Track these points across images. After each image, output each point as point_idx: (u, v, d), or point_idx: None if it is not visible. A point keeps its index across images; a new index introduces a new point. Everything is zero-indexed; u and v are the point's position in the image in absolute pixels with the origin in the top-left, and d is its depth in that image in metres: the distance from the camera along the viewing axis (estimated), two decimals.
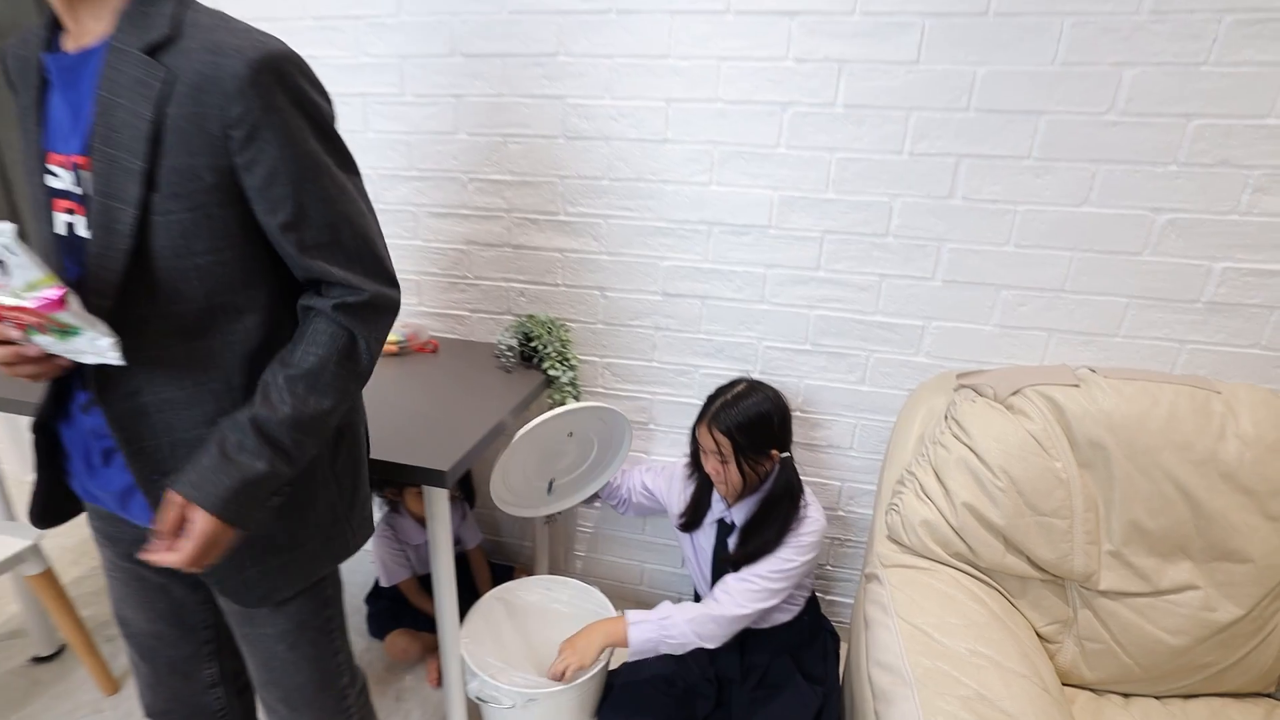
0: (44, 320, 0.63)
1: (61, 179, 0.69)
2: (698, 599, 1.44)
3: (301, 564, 0.87)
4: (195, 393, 0.75)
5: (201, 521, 0.70)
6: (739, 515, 1.33)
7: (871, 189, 1.34)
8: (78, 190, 0.68)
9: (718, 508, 1.37)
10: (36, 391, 0.82)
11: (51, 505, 0.86)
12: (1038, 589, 1.15)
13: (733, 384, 1.31)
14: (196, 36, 0.66)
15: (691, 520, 1.40)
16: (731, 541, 1.33)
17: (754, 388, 1.29)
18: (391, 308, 0.81)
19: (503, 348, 1.54)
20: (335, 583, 0.95)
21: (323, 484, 0.87)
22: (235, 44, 0.66)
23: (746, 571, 1.25)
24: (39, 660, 1.63)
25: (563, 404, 1.57)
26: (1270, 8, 1.10)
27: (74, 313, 0.63)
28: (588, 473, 1.51)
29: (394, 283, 0.81)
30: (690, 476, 1.41)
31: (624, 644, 1.23)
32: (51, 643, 1.65)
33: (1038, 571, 1.13)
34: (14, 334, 0.64)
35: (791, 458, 1.30)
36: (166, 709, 1.01)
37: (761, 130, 1.36)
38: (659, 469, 1.52)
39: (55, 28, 0.72)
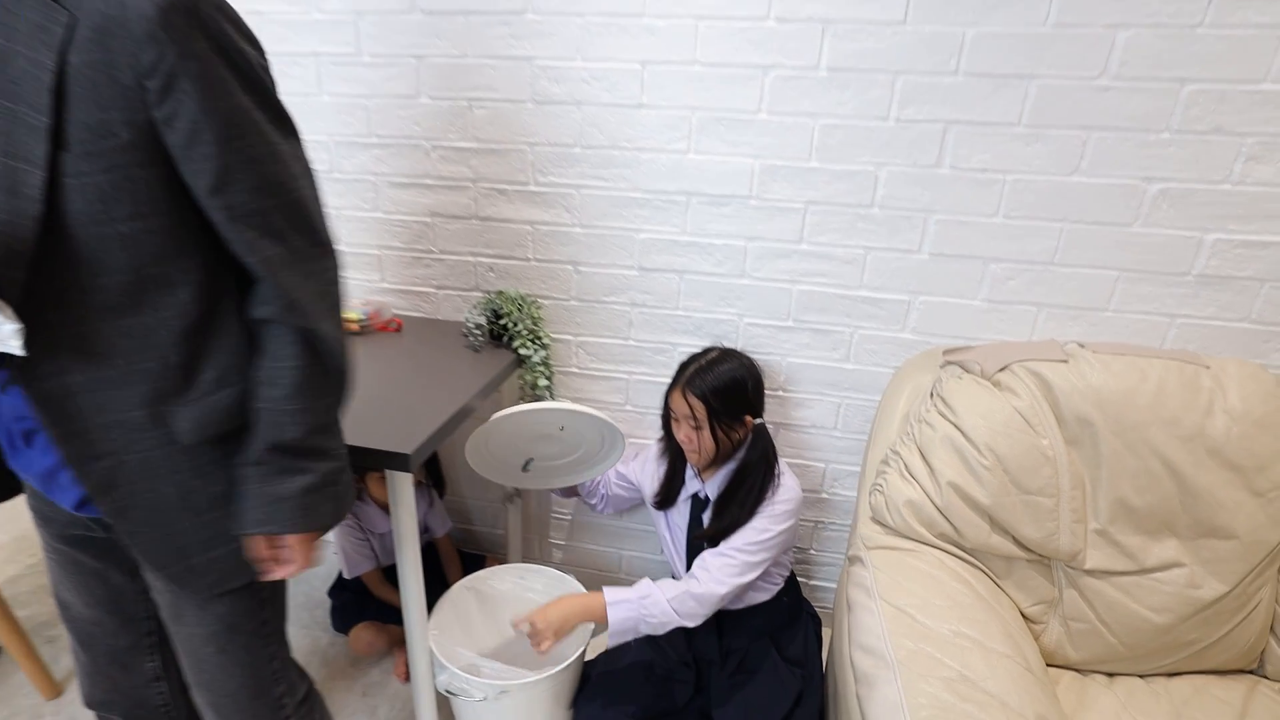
0: None
1: None
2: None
3: None
4: (128, 372, 0.71)
5: (291, 541, 0.79)
6: (713, 489, 1.32)
7: (856, 157, 1.32)
8: None
9: (692, 484, 1.37)
10: None
11: None
12: (1023, 569, 1.15)
13: (705, 351, 1.32)
14: None
15: (666, 497, 1.39)
16: (706, 517, 1.33)
17: (727, 354, 1.30)
18: (332, 279, 0.78)
19: (470, 326, 1.50)
20: (275, 582, 0.90)
21: None
22: None
23: (724, 546, 1.25)
24: None
25: (534, 385, 1.54)
26: None
27: None
28: (566, 467, 1.48)
29: (330, 251, 0.78)
30: (663, 454, 1.40)
31: (602, 621, 1.20)
32: None
33: (1023, 551, 1.13)
34: None
35: (765, 425, 1.29)
36: (106, 700, 0.97)
37: (741, 95, 1.32)
38: (630, 453, 1.50)
39: None
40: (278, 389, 0.75)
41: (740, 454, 1.29)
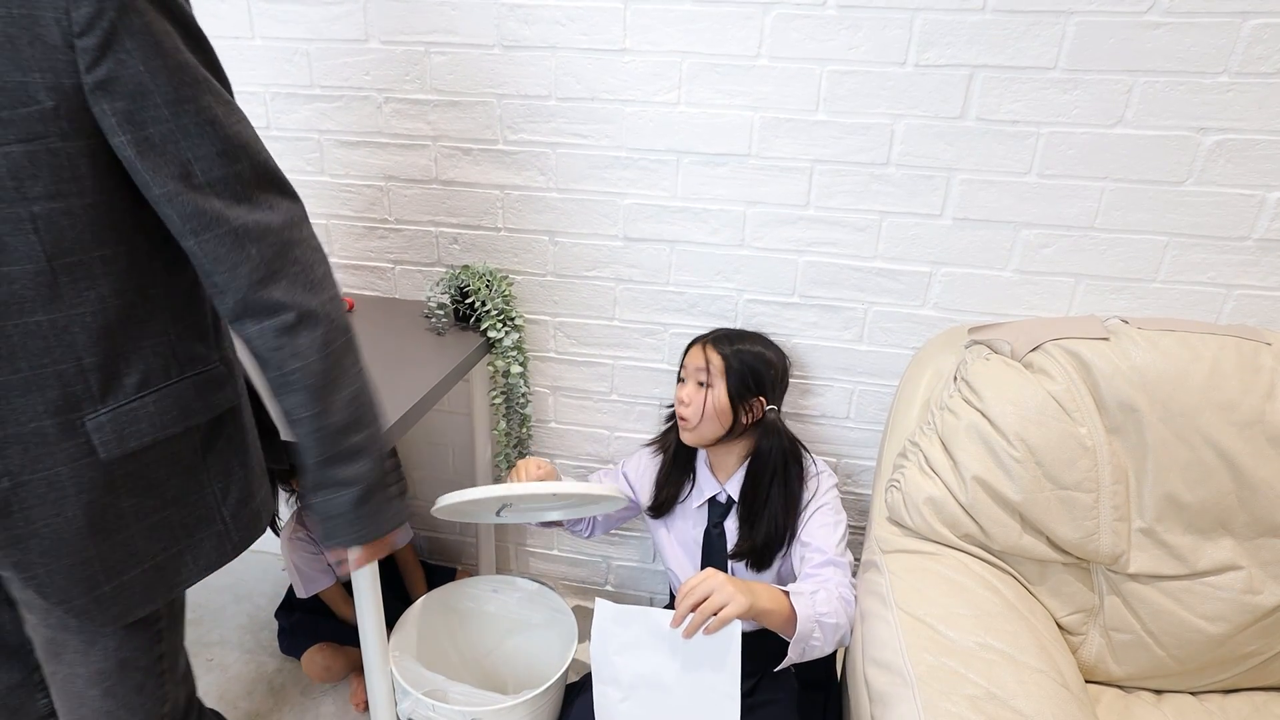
0: None
1: None
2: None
3: (166, 574, 0.83)
4: (34, 376, 0.70)
5: (358, 552, 0.90)
6: (735, 489, 1.31)
7: (870, 109, 1.32)
8: None
9: (707, 486, 1.35)
10: None
11: None
12: (1059, 574, 1.16)
13: (742, 330, 1.37)
14: None
15: (668, 497, 1.37)
16: (731, 526, 1.31)
17: (763, 338, 1.35)
18: (316, 245, 0.81)
19: (433, 305, 1.51)
20: (172, 610, 0.90)
21: (190, 483, 0.83)
22: None
23: (821, 558, 1.19)
24: None
25: (506, 372, 1.54)
26: None
27: None
28: (548, 510, 1.44)
29: (304, 213, 0.81)
30: (658, 451, 1.40)
31: (786, 614, 1.09)
32: None
33: (1059, 554, 1.14)
34: None
35: (778, 414, 1.29)
36: None
37: (739, 37, 1.32)
38: (616, 465, 1.50)
39: None
40: (291, 398, 0.79)
41: (751, 446, 1.30)
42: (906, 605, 1.05)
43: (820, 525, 1.24)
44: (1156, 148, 1.25)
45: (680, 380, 1.33)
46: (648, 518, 1.43)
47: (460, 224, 1.58)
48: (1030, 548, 1.13)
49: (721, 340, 1.30)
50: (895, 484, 1.20)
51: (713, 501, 1.34)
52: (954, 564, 1.12)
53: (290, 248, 0.77)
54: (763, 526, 1.26)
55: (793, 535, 1.27)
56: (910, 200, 1.36)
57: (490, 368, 1.57)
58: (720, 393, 1.25)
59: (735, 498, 1.31)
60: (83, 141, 0.66)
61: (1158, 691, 1.20)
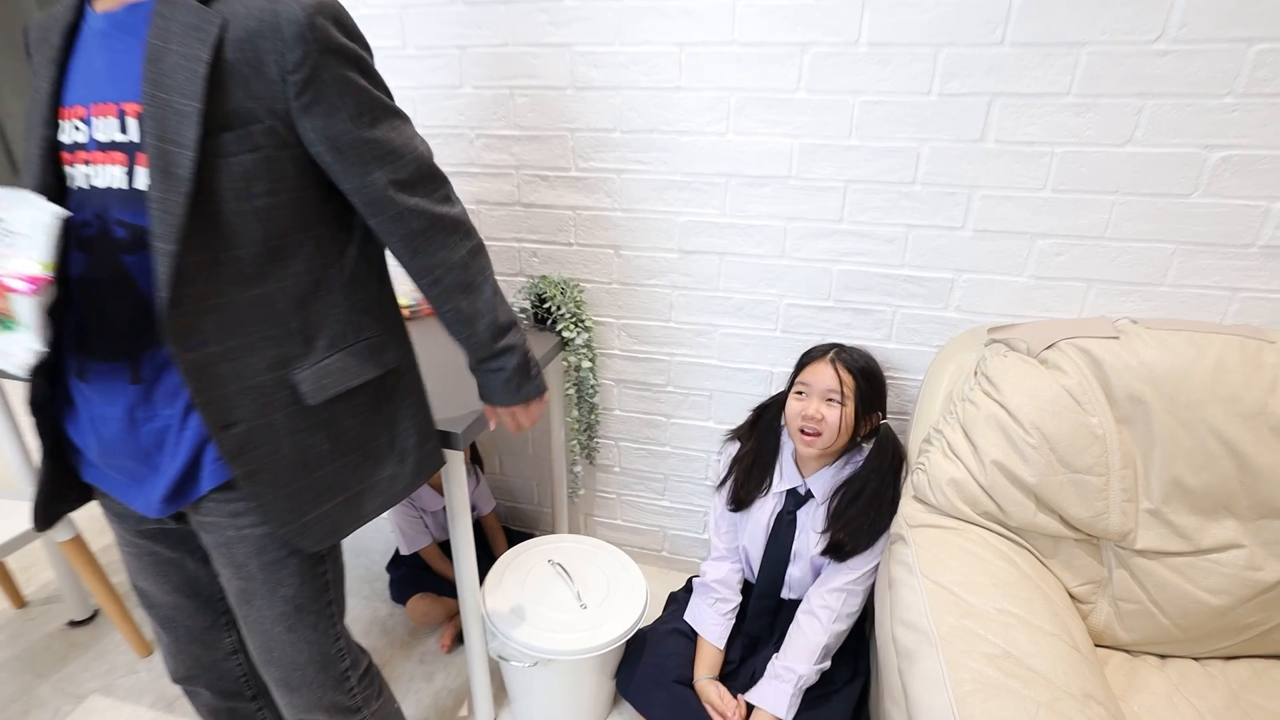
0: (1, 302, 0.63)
1: (81, 131, 0.71)
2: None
3: (352, 508, 0.89)
4: (257, 340, 0.77)
5: (524, 410, 1.01)
6: (818, 486, 1.26)
7: (897, 134, 1.29)
8: (124, 138, 0.69)
9: (789, 477, 1.29)
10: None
11: (55, 500, 0.87)
12: (1070, 548, 1.13)
13: (848, 346, 1.29)
14: None
15: (748, 493, 1.30)
16: (805, 516, 1.27)
17: (867, 354, 1.28)
18: (461, 214, 0.89)
19: (515, 310, 1.53)
20: (336, 567, 0.95)
21: (368, 431, 0.89)
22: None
23: (841, 580, 1.21)
24: (75, 624, 1.70)
25: (578, 367, 1.56)
26: None
27: (33, 305, 0.64)
28: None
29: (450, 191, 0.88)
30: (742, 448, 1.34)
31: None
32: (86, 608, 1.72)
33: (1071, 531, 1.11)
34: None
35: (890, 426, 1.25)
36: (190, 675, 1.04)
37: (780, 74, 1.31)
38: (711, 523, 1.40)
39: None
40: (466, 327, 0.90)
41: (861, 458, 1.25)
42: (931, 573, 1.03)
43: (870, 551, 1.21)
44: (1165, 164, 1.20)
45: (799, 394, 1.25)
46: (725, 509, 1.35)
47: (539, 240, 1.60)
48: (1044, 525, 1.10)
49: (845, 358, 1.23)
50: (921, 466, 1.18)
51: (792, 492, 1.29)
52: (974, 538, 1.10)
53: (440, 221, 0.84)
54: (859, 533, 1.21)
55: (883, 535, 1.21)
56: (935, 214, 1.33)
57: (564, 363, 1.59)
58: (850, 410, 1.20)
59: (814, 492, 1.27)
60: (290, 150, 0.75)
61: (1162, 656, 1.16)
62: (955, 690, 0.86)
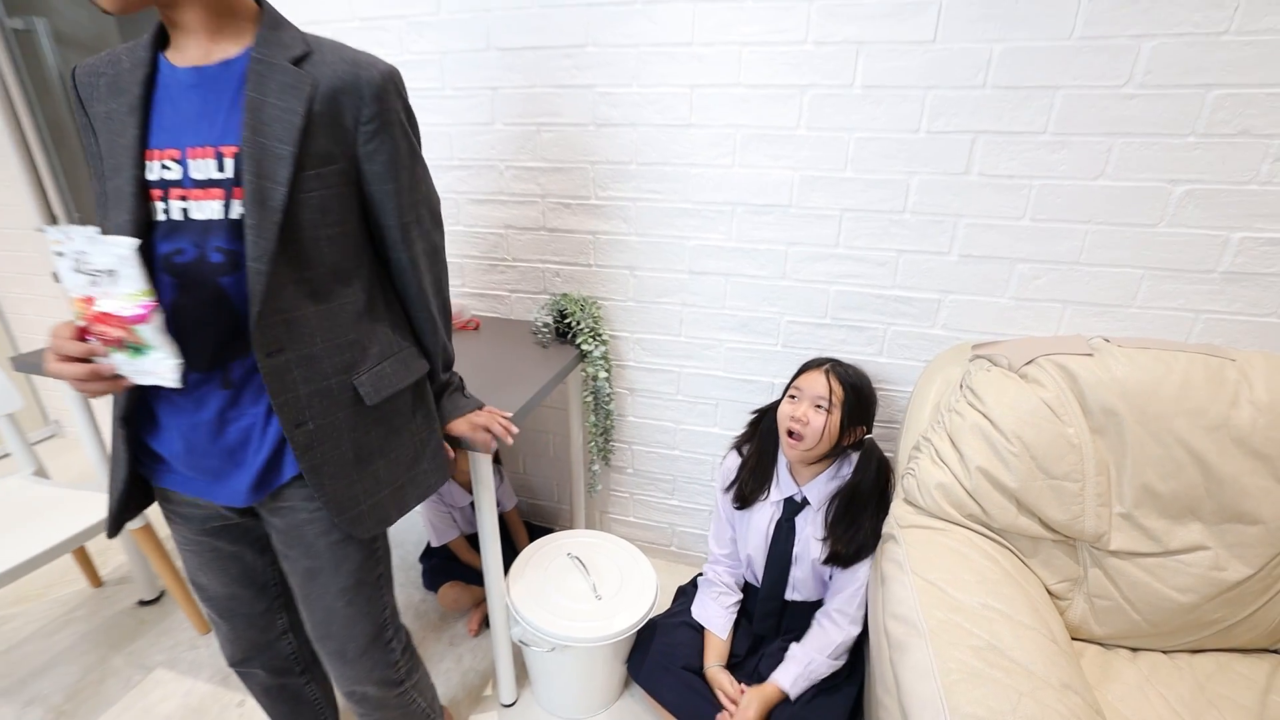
0: (126, 334, 0.66)
1: (171, 170, 0.73)
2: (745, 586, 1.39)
3: (398, 499, 0.94)
4: (324, 348, 0.82)
5: (472, 428, 1.06)
6: (813, 494, 1.24)
7: (889, 167, 1.30)
8: (221, 176, 0.73)
9: (785, 485, 1.27)
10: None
11: (126, 510, 0.89)
12: (1049, 548, 1.13)
13: (845, 363, 1.27)
14: (327, 54, 0.77)
15: (750, 492, 1.29)
16: (803, 522, 1.25)
17: (862, 372, 1.25)
18: (445, 260, 1.00)
19: (539, 325, 1.55)
20: (386, 546, 0.98)
21: (406, 431, 0.94)
22: (367, 60, 0.78)
23: (855, 588, 1.21)
24: (144, 603, 1.73)
25: (595, 377, 1.58)
26: None
27: (155, 328, 0.67)
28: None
29: (442, 231, 0.97)
30: (740, 453, 1.34)
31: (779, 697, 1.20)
32: (154, 588, 1.75)
33: (1049, 532, 1.11)
34: (99, 350, 0.69)
35: (875, 441, 1.23)
36: (246, 657, 1.06)
37: (782, 113, 1.33)
38: (711, 531, 1.40)
39: (156, 48, 0.77)
40: (438, 338, 0.98)
41: (849, 470, 1.23)
42: (920, 570, 1.03)
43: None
44: (1133, 196, 1.20)
45: (791, 398, 1.24)
46: (730, 508, 1.34)
47: (561, 261, 1.62)
48: (1025, 526, 1.10)
49: (839, 370, 1.22)
50: (911, 471, 1.18)
51: (789, 500, 1.28)
52: (960, 538, 1.10)
53: (439, 252, 0.96)
54: (856, 540, 1.20)
55: (878, 539, 1.20)
56: (923, 240, 1.34)
57: (583, 373, 1.60)
58: (836, 419, 1.18)
59: (809, 499, 1.25)
60: (352, 189, 0.81)
61: (1134, 649, 1.15)
62: (943, 679, 0.86)
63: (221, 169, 0.73)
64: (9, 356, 1.72)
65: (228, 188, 0.73)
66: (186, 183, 0.73)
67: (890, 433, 1.52)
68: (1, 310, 2.44)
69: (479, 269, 1.70)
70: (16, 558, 1.24)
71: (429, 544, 1.73)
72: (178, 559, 1.83)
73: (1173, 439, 1.06)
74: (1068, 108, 1.17)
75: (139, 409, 0.84)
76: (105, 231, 0.72)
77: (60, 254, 0.64)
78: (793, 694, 1.19)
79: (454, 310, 1.63)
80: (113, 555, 1.91)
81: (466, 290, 1.74)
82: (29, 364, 1.40)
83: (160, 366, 0.69)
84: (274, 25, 0.77)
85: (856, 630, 1.23)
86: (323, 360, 0.82)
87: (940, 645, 0.90)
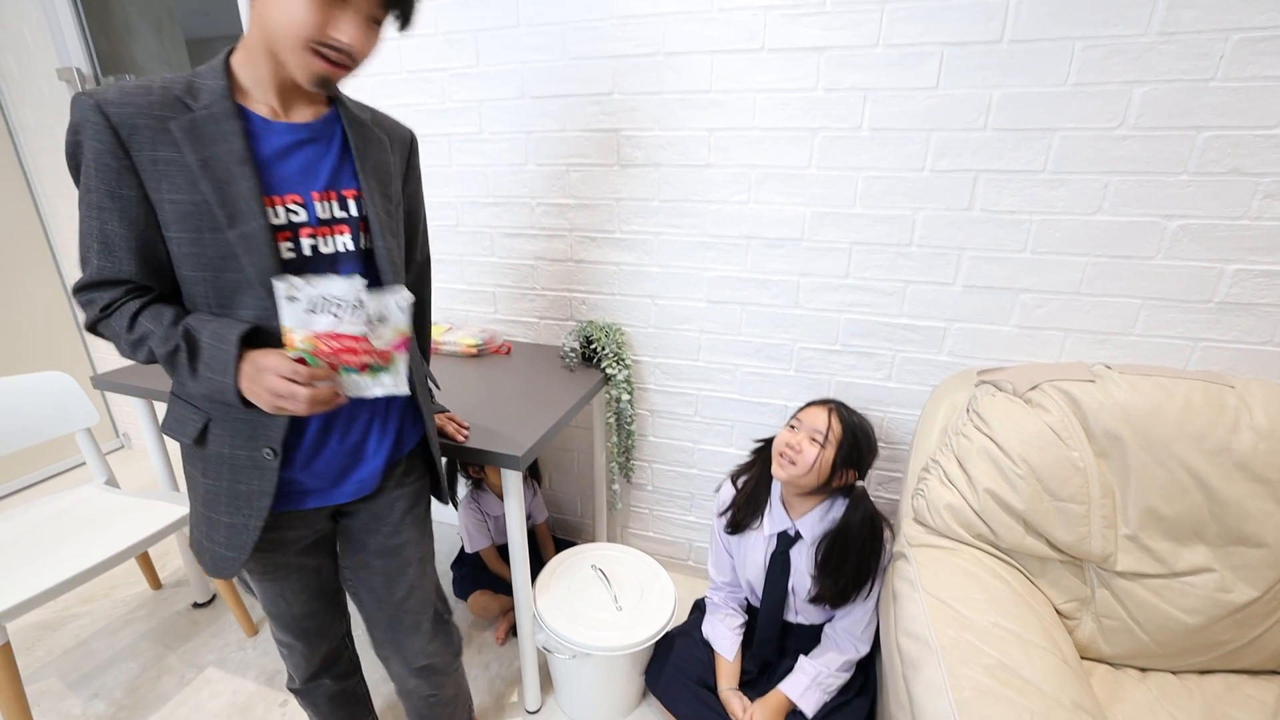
0: (375, 358, 0.74)
1: (298, 213, 0.76)
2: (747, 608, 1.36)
3: (438, 472, 1.05)
4: (413, 343, 0.92)
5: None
6: (806, 529, 1.21)
7: (895, 204, 1.31)
8: (344, 214, 0.81)
9: (778, 520, 1.23)
10: None
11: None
12: (1057, 569, 1.10)
13: (852, 408, 1.23)
14: (381, 117, 0.90)
15: (743, 519, 1.26)
16: (797, 556, 1.21)
17: (867, 421, 1.21)
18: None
19: (566, 350, 1.56)
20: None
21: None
22: (401, 121, 0.94)
23: (861, 613, 1.19)
24: (198, 605, 1.74)
25: (619, 399, 1.58)
26: (1275, 25, 1.02)
27: (404, 352, 0.78)
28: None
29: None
30: (738, 481, 1.31)
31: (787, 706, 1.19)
32: (206, 591, 1.76)
33: (1056, 552, 1.08)
34: (321, 374, 0.73)
35: (866, 490, 1.19)
36: (317, 671, 1.07)
37: (794, 153, 1.34)
38: (710, 559, 1.37)
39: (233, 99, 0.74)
40: (426, 336, 1.11)
41: (839, 513, 1.18)
42: (931, 589, 1.01)
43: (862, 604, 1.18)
44: (1130, 231, 1.19)
45: (791, 427, 1.21)
46: (724, 534, 1.31)
47: (587, 290, 1.63)
48: (1032, 547, 1.08)
49: (842, 411, 1.19)
50: (920, 492, 1.16)
51: (782, 535, 1.23)
52: (969, 558, 1.07)
53: (429, 263, 1.10)
54: (842, 581, 1.16)
55: (871, 584, 1.17)
56: (928, 272, 1.34)
57: (607, 395, 1.60)
58: (829, 455, 1.14)
59: (802, 533, 1.21)
60: (400, 211, 0.91)
61: (1142, 669, 1.11)
62: (956, 696, 0.84)
63: (345, 208, 0.81)
64: (89, 376, 1.76)
65: (354, 225, 0.81)
66: (312, 222, 0.78)
67: (898, 453, 1.50)
68: (83, 336, 2.52)
69: (510, 297, 1.72)
70: (90, 560, 1.25)
71: (461, 551, 1.72)
72: None
73: (1175, 462, 1.03)
74: (1065, 148, 1.17)
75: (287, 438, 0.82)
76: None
77: (293, 298, 0.69)
78: (804, 705, 1.16)
79: (488, 336, 1.65)
80: (170, 560, 1.94)
81: (499, 317, 1.76)
82: (107, 383, 1.44)
83: (392, 380, 0.77)
84: (337, 89, 0.85)
85: (866, 649, 1.20)
86: (413, 352, 0.92)
87: (953, 663, 0.88)
